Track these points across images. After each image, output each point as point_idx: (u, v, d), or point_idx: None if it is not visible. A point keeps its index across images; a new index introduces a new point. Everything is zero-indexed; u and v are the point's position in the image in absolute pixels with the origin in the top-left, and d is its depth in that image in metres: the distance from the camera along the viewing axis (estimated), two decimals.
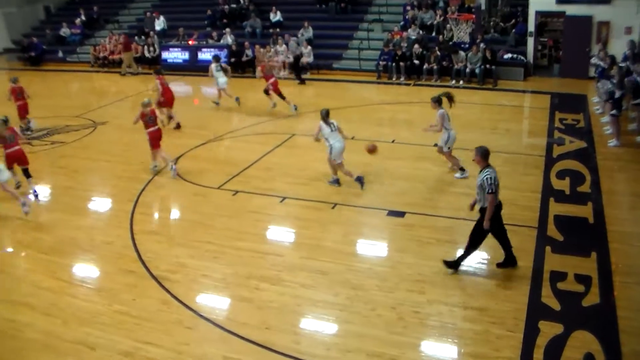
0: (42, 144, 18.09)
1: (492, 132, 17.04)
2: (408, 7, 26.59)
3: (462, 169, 13.69)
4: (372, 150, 13.21)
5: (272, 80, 19.89)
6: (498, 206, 9.29)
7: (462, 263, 9.71)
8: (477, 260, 9.89)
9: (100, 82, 27.55)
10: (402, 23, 26.18)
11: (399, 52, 23.89)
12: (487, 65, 22.50)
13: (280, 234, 11.63)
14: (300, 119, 19.08)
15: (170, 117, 18.65)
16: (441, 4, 26.44)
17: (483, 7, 24.45)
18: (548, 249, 10.22)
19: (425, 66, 23.50)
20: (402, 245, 10.62)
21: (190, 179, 14.27)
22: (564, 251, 10.13)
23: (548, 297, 8.87)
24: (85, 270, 10.70)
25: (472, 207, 9.65)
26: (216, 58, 21.40)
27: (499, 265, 9.78)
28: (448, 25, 24.71)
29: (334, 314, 8.81)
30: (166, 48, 28.33)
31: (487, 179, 9.02)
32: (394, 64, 23.90)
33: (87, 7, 34.38)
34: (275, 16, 28.54)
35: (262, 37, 27.77)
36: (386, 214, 11.97)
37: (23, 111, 19.08)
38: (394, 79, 23.89)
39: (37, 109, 20.64)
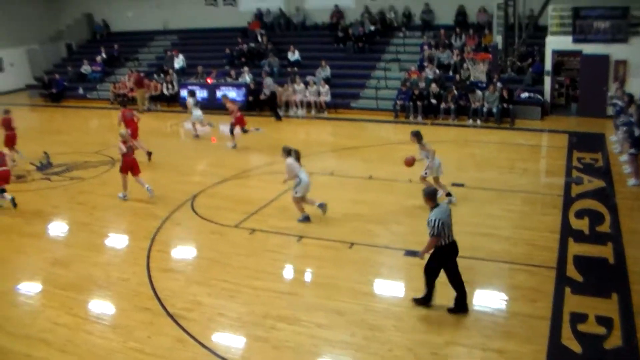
0: (61, 179, 18.24)
1: (509, 171, 17.00)
2: (425, 47, 26.79)
3: (448, 194, 14.34)
4: (409, 163, 14.06)
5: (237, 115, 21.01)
6: (448, 247, 9.29)
7: (430, 302, 9.71)
8: (495, 300, 9.78)
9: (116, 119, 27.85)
10: (419, 62, 26.37)
11: (416, 92, 24.01)
12: (504, 105, 22.56)
13: (297, 273, 11.59)
14: (317, 158, 19.11)
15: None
16: (458, 43, 26.62)
17: (499, 47, 24.54)
18: (567, 290, 10.09)
19: (443, 105, 23.58)
20: (420, 286, 10.51)
21: (207, 217, 14.29)
22: (584, 292, 10.00)
23: (569, 339, 8.74)
24: (101, 306, 10.70)
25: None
26: (191, 93, 23.29)
27: (450, 310, 9.59)
28: (465, 65, 24.86)
29: (351, 355, 8.73)
30: (185, 86, 28.62)
31: (433, 219, 9.07)
32: (411, 103, 24.00)
33: (108, 45, 35.00)
34: (293, 55, 28.83)
35: (280, 75, 28.02)
36: (403, 253, 11.91)
37: (9, 141, 19.79)
38: (411, 118, 23.96)
39: (57, 145, 20.96)
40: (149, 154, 19.62)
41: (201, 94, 27.78)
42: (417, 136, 14.21)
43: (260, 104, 26.45)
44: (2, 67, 36.83)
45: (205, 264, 11.99)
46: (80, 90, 32.57)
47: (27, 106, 32.36)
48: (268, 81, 26.45)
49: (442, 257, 9.38)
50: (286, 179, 13.79)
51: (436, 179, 14.41)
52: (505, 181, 15.89)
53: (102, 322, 10.10)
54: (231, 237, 13.12)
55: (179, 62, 30.98)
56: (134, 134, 19.60)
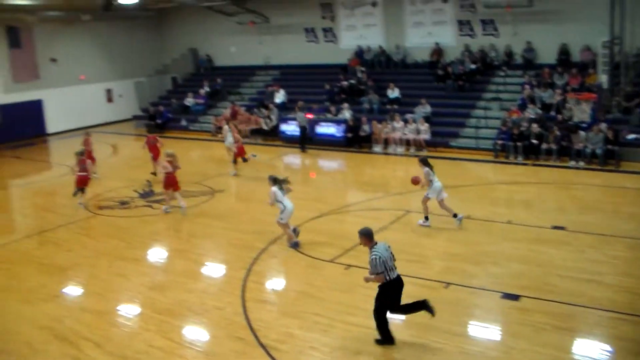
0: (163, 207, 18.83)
1: (614, 215, 16.37)
2: (526, 86, 26.33)
3: (426, 218, 15.91)
4: (415, 182, 15.72)
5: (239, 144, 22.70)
6: (394, 282, 9.71)
7: (387, 335, 9.96)
8: (597, 351, 9.40)
9: (220, 151, 28.46)
10: (520, 102, 25.93)
11: (517, 131, 23.58)
12: (609, 146, 21.83)
13: None
14: (415, 196, 18.96)
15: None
16: (560, 82, 26.06)
17: (605, 86, 23.90)
18: None
19: (544, 146, 23.03)
20: (516, 330, 10.26)
21: (303, 251, 14.42)
22: None
23: None
24: (196, 333, 10.94)
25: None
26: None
27: (378, 341, 9.98)
28: (568, 105, 24.26)
29: None
30: (285, 120, 29.13)
31: (374, 259, 9.55)
32: (511, 143, 23.59)
33: (211, 78, 36.15)
34: (393, 92, 28.92)
35: (380, 112, 28.14)
36: (500, 296, 11.64)
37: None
38: (511, 158, 23.51)
39: (159, 174, 21.62)
40: (154, 173, 22.63)
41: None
42: (424, 162, 15.90)
43: (359, 141, 26.60)
44: (112, 98, 38.69)
45: (299, 297, 12.08)
46: (183, 122, 33.69)
47: (133, 136, 33.71)
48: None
49: (389, 293, 9.77)
50: (270, 204, 14.79)
51: (441, 202, 15.77)
52: (609, 226, 15.31)
53: (195, 348, 10.32)
54: (326, 272, 13.19)
55: (279, 97, 31.64)
56: (155, 157, 22.45)
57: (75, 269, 14.44)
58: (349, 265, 13.38)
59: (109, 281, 13.47)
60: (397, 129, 26.07)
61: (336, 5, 32.82)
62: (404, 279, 12.13)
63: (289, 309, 11.48)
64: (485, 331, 10.53)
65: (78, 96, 36.31)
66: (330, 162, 24.14)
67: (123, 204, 19.61)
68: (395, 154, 25.22)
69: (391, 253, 9.82)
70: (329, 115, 28.42)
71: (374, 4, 31.68)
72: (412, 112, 26.91)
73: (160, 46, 41.11)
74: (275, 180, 14.72)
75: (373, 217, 16.72)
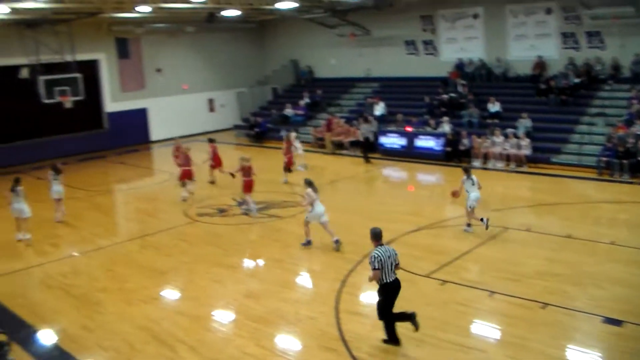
0: (260, 216, 19.17)
1: None
2: (634, 101, 25.29)
3: (469, 225, 16.75)
4: (455, 195, 17.35)
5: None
6: (391, 284, 10.35)
7: (392, 336, 10.56)
8: None
9: (318, 162, 28.76)
10: (627, 117, 24.94)
11: (623, 148, 22.71)
12: None
13: (486, 329, 11.27)
14: (514, 213, 18.63)
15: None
16: None
17: None
18: None
19: None
20: (618, 358, 9.87)
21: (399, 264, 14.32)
22: None
23: None
24: (288, 342, 11.08)
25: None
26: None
27: (384, 341, 10.61)
28: None
29: None
30: (384, 133, 29.13)
31: (372, 256, 10.33)
32: (617, 160, 22.74)
33: (311, 90, 36.58)
34: (494, 106, 28.44)
35: (480, 126, 27.73)
36: (601, 320, 11.22)
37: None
38: (616, 176, 22.66)
39: (258, 183, 21.97)
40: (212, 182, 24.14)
41: (400, 142, 28.14)
42: (467, 171, 17.09)
43: (458, 155, 26.28)
44: (214, 107, 39.74)
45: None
46: (282, 132, 34.14)
47: (233, 145, 34.44)
48: (364, 129, 28.64)
49: (386, 292, 10.43)
50: (304, 204, 16.45)
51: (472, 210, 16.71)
52: None
53: (287, 357, 10.47)
54: (421, 287, 13.08)
55: (379, 109, 31.67)
56: (218, 165, 24.16)
57: (174, 273, 14.94)
58: (445, 281, 13.22)
59: (206, 287, 13.85)
60: (497, 143, 25.61)
61: (437, 17, 32.61)
62: (499, 297, 11.93)
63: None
64: (583, 356, 10.17)
65: (181, 105, 37.61)
66: (428, 176, 23.95)
67: (221, 211, 20.08)
68: (495, 169, 24.76)
69: (394, 259, 10.40)
70: (428, 129, 28.23)
71: (475, 16, 31.30)
72: (512, 127, 26.38)
73: (262, 57, 41.94)
74: (310, 184, 15.97)
75: (471, 233, 16.47)
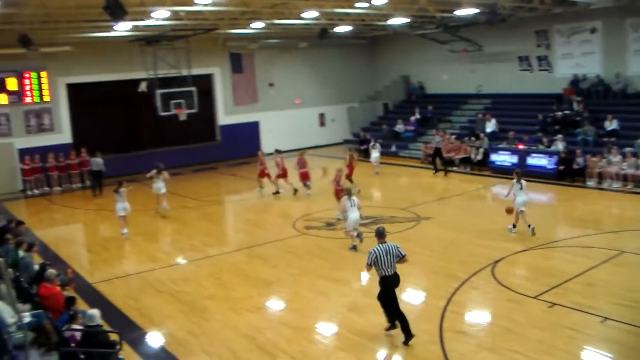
0: (368, 231, 19.14)
1: None
2: None
3: (514, 226, 18.21)
4: (509, 211, 17.98)
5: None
6: (390, 278, 11.57)
7: (395, 323, 11.68)
8: None
9: (428, 179, 28.55)
10: None
11: None
12: None
13: (597, 357, 10.85)
14: (631, 236, 17.83)
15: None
16: None
17: None
18: None
19: None
20: None
21: (506, 284, 14.06)
22: None
23: None
24: (390, 358, 11.11)
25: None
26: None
27: (386, 329, 11.83)
28: None
29: None
30: (495, 150, 28.63)
31: (370, 252, 11.62)
32: None
33: (422, 106, 36.43)
34: (611, 124, 27.38)
35: (595, 145, 26.78)
36: None
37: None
38: None
39: (366, 198, 22.31)
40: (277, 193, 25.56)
41: (511, 159, 27.57)
42: (518, 174, 18.31)
43: (572, 174, 25.46)
44: (324, 122, 40.25)
45: (498, 331, 11.80)
46: (393, 148, 34.18)
47: (342, 159, 34.68)
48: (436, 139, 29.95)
49: (385, 285, 11.63)
50: (340, 213, 18.48)
51: (522, 213, 17.90)
52: None
53: None
54: (529, 308, 12.75)
55: (490, 126, 31.15)
56: (284, 176, 25.77)
57: (279, 284, 15.24)
58: (554, 304, 12.82)
59: (310, 299, 14.05)
60: (614, 163, 24.63)
61: (552, 32, 31.75)
62: (613, 324, 11.52)
63: (487, 343, 11.26)
64: None
65: (292, 119, 38.35)
66: (540, 195, 23.31)
67: (329, 225, 20.27)
68: (611, 190, 23.82)
69: (393, 256, 11.57)
70: (540, 147, 27.53)
71: (592, 31, 30.27)
72: (631, 146, 25.31)
73: (373, 73, 42.16)
74: (348, 193, 17.72)
75: (582, 255, 15.95)
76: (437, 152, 29.19)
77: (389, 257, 11.48)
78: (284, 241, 18.91)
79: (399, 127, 35.55)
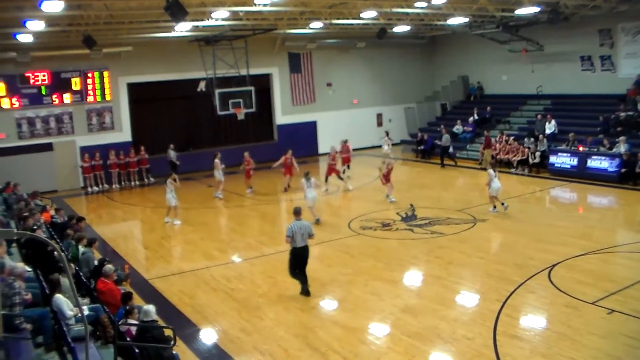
0: (423, 232, 19.14)
1: None
2: None
3: (494, 207, 20.98)
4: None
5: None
6: (299, 250, 14.11)
7: (303, 285, 14.34)
8: None
9: (486, 180, 28.20)
10: None
11: None
12: None
13: None
14: None
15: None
16: None
17: None
18: None
19: None
20: None
21: (563, 289, 13.77)
22: None
23: None
24: None
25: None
26: None
27: (301, 293, 14.34)
28: None
29: None
30: (554, 152, 28.10)
31: (287, 227, 14.20)
32: None
33: (480, 106, 35.98)
34: None
35: None
36: None
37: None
38: None
39: (422, 199, 22.29)
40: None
41: (571, 162, 27.04)
42: (493, 166, 22.19)
43: (634, 177, 24.81)
44: (382, 122, 40.13)
45: (553, 337, 11.59)
46: (450, 149, 33.82)
47: (399, 160, 34.59)
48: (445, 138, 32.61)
49: (294, 256, 14.23)
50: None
51: (494, 197, 20.83)
52: None
53: None
54: (586, 314, 12.48)
55: (550, 127, 30.53)
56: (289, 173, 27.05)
57: (333, 284, 15.27)
58: (612, 310, 12.50)
59: (363, 299, 14.04)
60: None
61: (616, 31, 30.93)
62: None
63: (541, 349, 11.08)
64: None
65: (349, 119, 38.21)
66: (600, 198, 22.86)
67: (385, 225, 20.22)
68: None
69: (305, 231, 14.07)
70: (602, 149, 26.91)
71: None
72: None
73: (431, 73, 41.86)
74: (305, 174, 21.29)
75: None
76: (445, 150, 32.31)
77: (301, 232, 14.03)
78: (339, 241, 18.94)
79: (457, 128, 35.16)
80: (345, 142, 29.92)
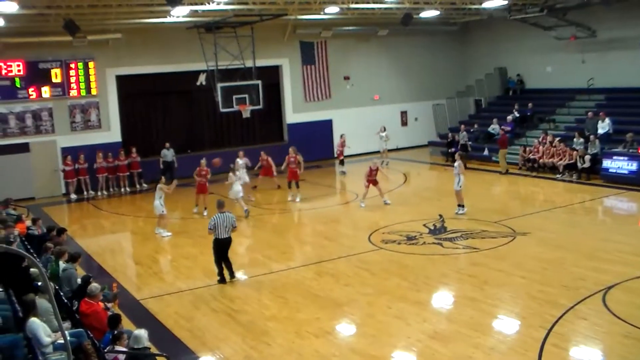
0: (454, 246, 18.90)
1: None
2: None
3: (461, 206, 22.53)
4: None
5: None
6: (221, 240, 16.63)
7: (224, 277, 16.98)
8: None
9: (527, 188, 27.95)
10: None
11: None
12: None
13: None
14: None
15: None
16: None
17: None
18: None
19: None
20: None
21: (622, 316, 13.38)
22: None
23: None
24: None
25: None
26: None
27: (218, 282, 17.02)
28: None
29: None
30: (609, 155, 27.70)
31: (211, 219, 16.92)
32: None
33: (521, 103, 35.64)
34: None
35: None
36: None
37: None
38: None
39: (453, 209, 21.87)
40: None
41: (629, 166, 26.62)
42: (455, 161, 23.33)
43: None
44: (407, 121, 39.86)
45: None
46: (486, 152, 33.54)
47: (427, 164, 34.40)
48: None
49: (216, 246, 16.79)
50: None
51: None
52: None
53: None
54: None
55: (603, 126, 30.13)
56: (268, 174, 29.03)
57: (352, 305, 15.03)
58: None
59: (386, 323, 13.79)
60: None
61: None
62: None
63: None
64: None
65: (370, 117, 37.65)
66: None
67: (410, 239, 19.97)
68: None
69: (229, 223, 16.59)
70: None
71: None
72: None
73: (464, 64, 41.65)
74: (232, 169, 24.75)
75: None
76: (464, 148, 33.33)
77: (224, 224, 16.50)
78: (358, 256, 18.70)
79: (494, 127, 34.73)
80: (341, 136, 33.08)
